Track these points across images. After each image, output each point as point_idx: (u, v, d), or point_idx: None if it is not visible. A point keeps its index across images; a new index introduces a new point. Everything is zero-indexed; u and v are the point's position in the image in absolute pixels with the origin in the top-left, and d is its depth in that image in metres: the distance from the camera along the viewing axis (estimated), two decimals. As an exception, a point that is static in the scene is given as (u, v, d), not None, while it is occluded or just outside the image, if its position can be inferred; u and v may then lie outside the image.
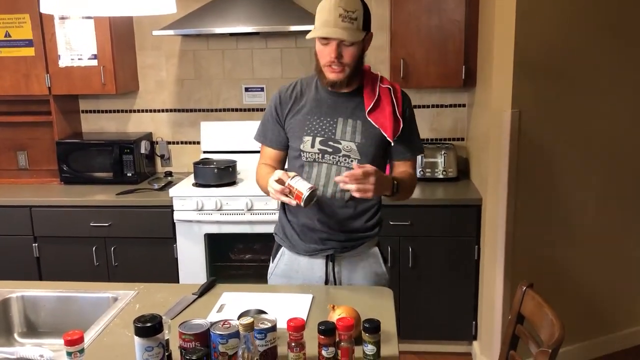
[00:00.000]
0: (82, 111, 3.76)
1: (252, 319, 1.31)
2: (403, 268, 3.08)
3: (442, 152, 3.30)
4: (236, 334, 1.32)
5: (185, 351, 1.33)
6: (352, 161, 1.84)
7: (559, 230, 2.88)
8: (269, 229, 2.17)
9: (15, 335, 1.89)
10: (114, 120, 3.75)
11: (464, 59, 3.13)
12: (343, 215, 1.88)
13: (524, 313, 1.74)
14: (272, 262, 2.04)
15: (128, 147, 3.40)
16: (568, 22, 2.63)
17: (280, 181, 1.70)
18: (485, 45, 2.93)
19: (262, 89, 3.62)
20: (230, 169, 3.22)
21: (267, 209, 3.05)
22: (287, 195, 1.69)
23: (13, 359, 1.46)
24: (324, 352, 1.37)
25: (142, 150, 3.50)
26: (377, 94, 1.85)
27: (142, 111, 3.73)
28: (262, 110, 3.55)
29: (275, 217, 2.80)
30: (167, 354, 1.38)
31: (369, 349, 1.38)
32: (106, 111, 3.74)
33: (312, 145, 1.86)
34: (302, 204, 1.67)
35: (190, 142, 3.73)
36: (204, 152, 3.58)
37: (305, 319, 1.50)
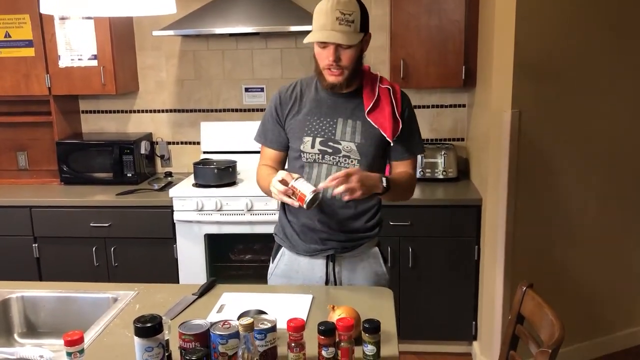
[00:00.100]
0: (82, 111, 3.76)
1: (252, 320, 1.31)
2: (403, 268, 3.08)
3: (442, 153, 3.30)
4: (236, 335, 1.32)
5: (185, 351, 1.33)
6: (352, 161, 1.84)
7: (559, 231, 2.88)
8: (269, 229, 2.17)
9: (15, 336, 1.89)
10: (114, 121, 3.75)
11: (464, 59, 3.13)
12: (343, 215, 1.88)
13: (524, 313, 1.74)
14: (272, 262, 2.04)
15: (128, 148, 3.40)
16: (568, 22, 2.63)
17: (283, 182, 1.70)
18: (485, 46, 2.93)
19: (262, 90, 3.63)
20: (230, 170, 3.22)
21: (267, 209, 3.05)
22: (289, 197, 1.69)
23: (13, 359, 1.46)
24: (324, 353, 1.37)
25: (142, 151, 3.50)
26: (376, 94, 1.85)
27: (142, 111, 3.73)
28: (262, 110, 3.55)
29: (275, 217, 2.80)
30: (167, 354, 1.38)
31: (369, 349, 1.38)
32: (106, 111, 3.75)
33: (312, 146, 1.86)
34: (304, 206, 1.67)
35: (190, 143, 3.73)
36: (204, 152, 3.58)
37: (305, 320, 1.50)
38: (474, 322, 3.14)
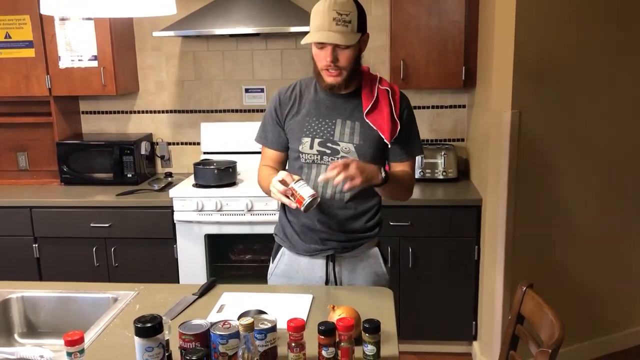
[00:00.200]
0: (83, 112, 3.76)
1: (252, 320, 1.31)
2: (403, 268, 3.08)
3: (442, 153, 3.30)
4: (236, 335, 1.33)
5: (186, 351, 1.33)
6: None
7: (559, 231, 2.88)
8: (269, 229, 2.17)
9: (16, 336, 1.89)
10: (114, 121, 3.76)
11: (464, 60, 3.13)
12: (343, 215, 1.89)
13: (523, 313, 1.74)
14: (272, 262, 2.04)
15: (128, 148, 3.40)
16: (568, 22, 2.64)
17: (283, 182, 1.70)
18: (485, 46, 2.94)
19: (262, 90, 3.63)
20: (231, 170, 3.23)
21: (267, 209, 3.05)
22: (288, 197, 1.70)
23: (13, 359, 1.46)
24: (324, 353, 1.37)
25: (142, 151, 3.50)
26: (375, 95, 1.85)
27: (142, 112, 3.73)
28: (262, 111, 3.55)
29: (275, 217, 2.80)
30: (167, 354, 1.38)
31: (369, 349, 1.38)
32: (106, 112, 3.75)
33: (311, 147, 1.86)
34: (302, 208, 1.68)
35: (190, 143, 3.74)
36: (204, 152, 3.58)
37: (305, 319, 1.50)
38: (474, 322, 3.14)
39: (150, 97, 3.71)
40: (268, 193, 1.84)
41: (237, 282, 2.06)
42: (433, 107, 3.55)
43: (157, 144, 3.72)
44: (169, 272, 3.17)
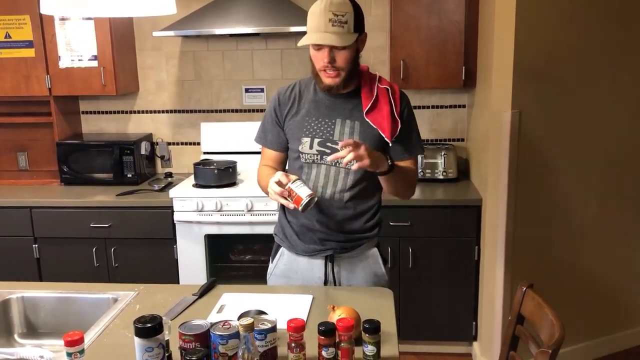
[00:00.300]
0: (83, 112, 3.76)
1: (252, 320, 1.31)
2: (403, 269, 3.08)
3: (442, 153, 3.30)
4: (236, 335, 1.33)
5: (186, 352, 1.33)
6: (350, 162, 1.83)
7: (559, 231, 2.88)
8: (269, 229, 2.17)
9: (16, 336, 1.89)
10: (114, 121, 3.76)
11: (464, 60, 3.13)
12: (342, 216, 1.88)
13: (524, 313, 1.74)
14: (272, 262, 2.04)
15: (128, 148, 3.40)
16: (568, 22, 2.64)
17: (280, 183, 1.70)
18: (485, 46, 2.94)
19: (262, 90, 3.63)
20: (231, 170, 3.22)
21: (267, 209, 3.05)
22: (286, 198, 1.69)
23: (13, 359, 1.46)
24: (324, 353, 1.37)
25: (142, 151, 3.50)
26: (374, 94, 1.84)
27: (142, 112, 3.73)
28: (262, 111, 3.55)
29: (275, 218, 2.79)
30: (167, 354, 1.38)
31: (369, 349, 1.38)
32: (106, 112, 3.75)
33: (311, 147, 1.86)
34: (300, 208, 1.68)
35: (190, 143, 3.74)
36: (204, 153, 3.58)
37: (305, 320, 1.50)
38: (474, 323, 3.14)
39: (150, 97, 3.71)
40: (267, 193, 1.84)
41: (237, 283, 2.06)
42: (433, 107, 3.55)
43: (157, 144, 3.72)
44: (169, 273, 3.17)
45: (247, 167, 3.33)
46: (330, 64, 1.75)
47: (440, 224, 3.04)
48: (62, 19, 3.26)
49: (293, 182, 1.70)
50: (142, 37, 3.61)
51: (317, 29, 1.72)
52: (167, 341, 1.39)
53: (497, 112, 2.71)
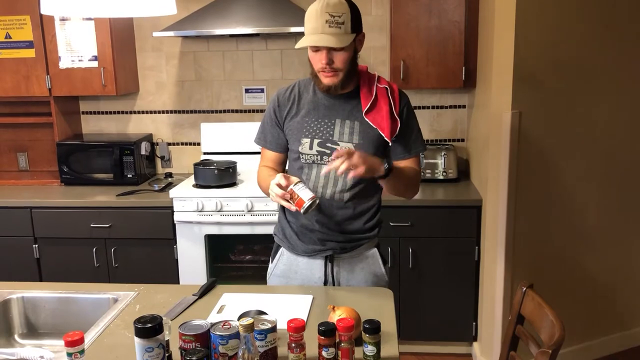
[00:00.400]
0: (83, 112, 3.76)
1: (252, 320, 1.31)
2: (403, 269, 3.08)
3: (442, 153, 3.30)
4: (236, 335, 1.33)
5: (186, 352, 1.33)
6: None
7: (559, 231, 2.88)
8: (269, 230, 2.17)
9: (16, 336, 1.89)
10: (114, 122, 3.76)
11: (464, 60, 3.13)
12: (342, 216, 1.88)
13: (524, 314, 1.74)
14: (272, 262, 2.04)
15: (128, 149, 3.40)
16: (568, 23, 2.64)
17: (280, 185, 1.70)
18: (485, 46, 2.94)
19: (262, 90, 3.63)
20: (231, 170, 3.23)
21: (267, 210, 3.05)
22: (287, 200, 1.69)
23: (13, 359, 1.46)
24: (324, 353, 1.37)
25: (143, 152, 3.50)
26: (374, 94, 1.84)
27: (143, 112, 3.74)
28: (262, 111, 3.56)
29: (275, 218, 2.80)
30: (167, 354, 1.38)
31: (369, 349, 1.38)
32: (106, 112, 3.75)
33: (311, 147, 1.86)
34: (301, 211, 1.68)
35: (190, 144, 3.74)
36: (204, 153, 3.58)
37: (305, 320, 1.50)
38: (474, 323, 3.14)
39: (150, 98, 3.71)
40: (268, 194, 1.84)
41: (237, 283, 2.06)
42: (433, 107, 3.55)
43: (157, 144, 3.72)
44: (169, 273, 3.17)
45: (247, 168, 3.33)
46: (329, 65, 1.75)
47: (440, 224, 3.04)
48: (63, 20, 3.26)
49: (295, 184, 1.70)
50: (143, 38, 3.61)
51: (314, 30, 1.73)
52: (167, 341, 1.39)
53: (497, 112, 2.71)
